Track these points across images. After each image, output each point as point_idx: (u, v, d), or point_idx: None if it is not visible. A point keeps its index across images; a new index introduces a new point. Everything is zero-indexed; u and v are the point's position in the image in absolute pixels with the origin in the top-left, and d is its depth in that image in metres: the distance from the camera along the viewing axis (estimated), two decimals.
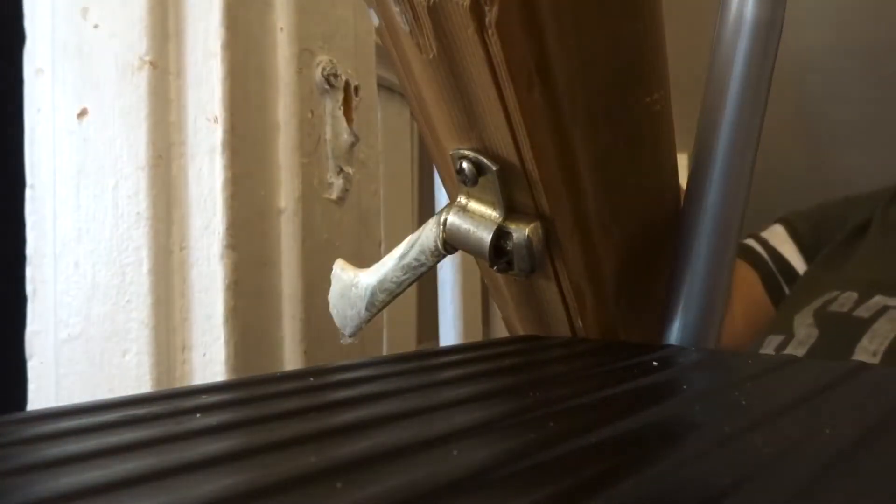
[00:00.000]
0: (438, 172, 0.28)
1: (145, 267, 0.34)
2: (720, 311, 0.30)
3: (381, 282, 0.28)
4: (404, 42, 0.22)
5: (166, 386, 0.34)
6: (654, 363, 0.23)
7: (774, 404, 0.17)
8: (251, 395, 0.19)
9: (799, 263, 0.69)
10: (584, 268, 0.28)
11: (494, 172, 0.23)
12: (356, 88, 0.41)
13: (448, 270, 0.60)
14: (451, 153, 0.24)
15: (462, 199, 0.25)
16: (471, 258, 0.29)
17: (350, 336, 0.30)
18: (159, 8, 0.34)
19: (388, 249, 0.32)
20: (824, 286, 0.60)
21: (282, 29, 0.37)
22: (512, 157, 0.23)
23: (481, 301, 0.61)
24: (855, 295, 0.55)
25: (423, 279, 0.28)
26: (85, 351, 0.35)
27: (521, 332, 0.33)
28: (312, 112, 0.38)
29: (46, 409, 0.17)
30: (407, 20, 0.20)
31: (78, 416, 0.16)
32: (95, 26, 0.35)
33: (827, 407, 0.17)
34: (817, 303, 0.57)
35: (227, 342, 0.33)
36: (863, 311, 0.52)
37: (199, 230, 0.34)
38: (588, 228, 0.27)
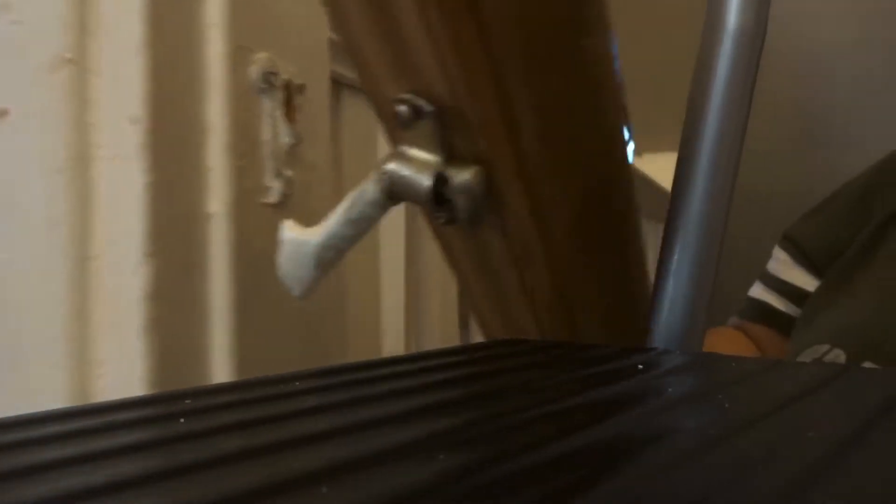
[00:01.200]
0: (381, 123, 0.27)
1: (61, 276, 0.32)
2: (704, 314, 0.30)
3: (329, 238, 0.27)
4: None
5: (81, 401, 0.31)
6: (639, 366, 0.23)
7: (758, 407, 0.18)
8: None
9: (813, 285, 0.65)
10: (530, 218, 0.27)
11: (431, 114, 0.23)
12: (300, 87, 0.40)
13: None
14: (389, 98, 0.24)
15: (402, 146, 0.25)
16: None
17: (301, 296, 0.29)
18: (81, 4, 0.34)
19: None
20: (820, 330, 0.58)
21: (213, 25, 0.36)
22: (447, 97, 0.23)
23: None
24: (843, 356, 0.54)
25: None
26: (1, 363, 0.32)
27: (481, 308, 0.32)
28: (248, 112, 0.37)
29: None
30: None
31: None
32: (15, 23, 0.34)
33: (810, 410, 0.18)
34: (806, 356, 0.55)
35: (147, 355, 0.31)
36: None
37: (118, 237, 0.32)
38: (531, 176, 0.26)
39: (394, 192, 0.25)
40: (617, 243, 0.34)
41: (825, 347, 0.55)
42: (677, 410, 0.17)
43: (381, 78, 0.23)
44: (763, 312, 0.68)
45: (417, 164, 0.24)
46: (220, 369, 0.35)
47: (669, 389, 0.20)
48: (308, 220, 0.40)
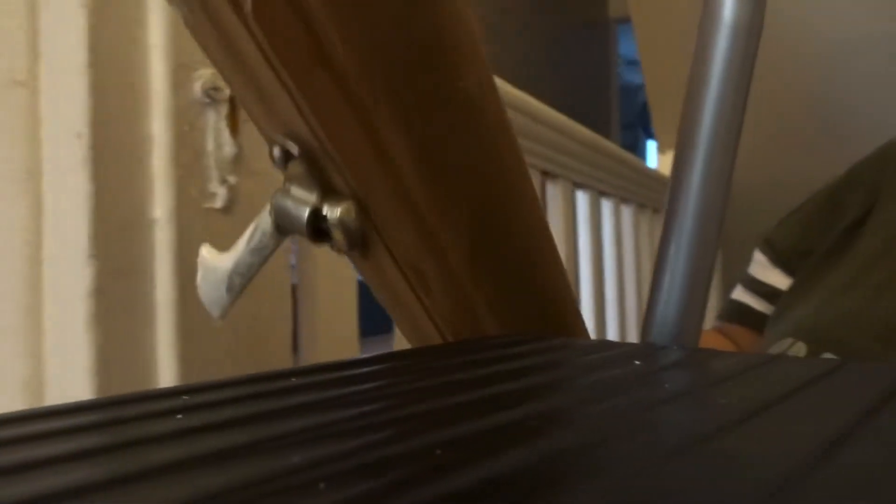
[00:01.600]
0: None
1: (16, 277, 0.36)
2: (701, 309, 0.31)
3: (236, 266, 0.30)
4: (198, 34, 0.24)
5: (36, 391, 0.35)
6: (636, 361, 0.23)
7: (753, 403, 0.18)
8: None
9: (787, 286, 0.68)
10: (420, 248, 0.29)
11: (298, 156, 0.25)
12: None
13: None
14: (265, 138, 0.26)
15: (286, 182, 0.27)
16: None
17: (218, 317, 0.32)
18: (30, 29, 0.37)
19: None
20: (786, 325, 0.59)
21: (155, 46, 0.39)
22: (311, 140, 0.25)
23: None
24: (804, 349, 0.55)
25: None
26: None
27: (391, 316, 0.35)
28: (191, 125, 0.40)
29: None
30: (186, 13, 0.22)
31: None
32: None
33: (805, 405, 0.18)
34: (773, 350, 0.57)
35: (90, 348, 0.35)
36: None
37: (66, 241, 0.36)
38: (417, 209, 0.28)
39: (281, 226, 0.27)
40: (527, 261, 0.36)
41: (789, 341, 0.57)
42: (671, 406, 0.18)
43: (257, 120, 0.26)
44: (741, 313, 0.71)
45: (297, 200, 0.27)
46: (165, 365, 0.38)
47: (665, 385, 0.20)
48: None
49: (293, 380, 0.20)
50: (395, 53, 0.25)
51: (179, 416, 0.16)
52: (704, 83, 0.29)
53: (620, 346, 0.28)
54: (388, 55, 0.25)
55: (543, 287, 0.38)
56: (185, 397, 0.18)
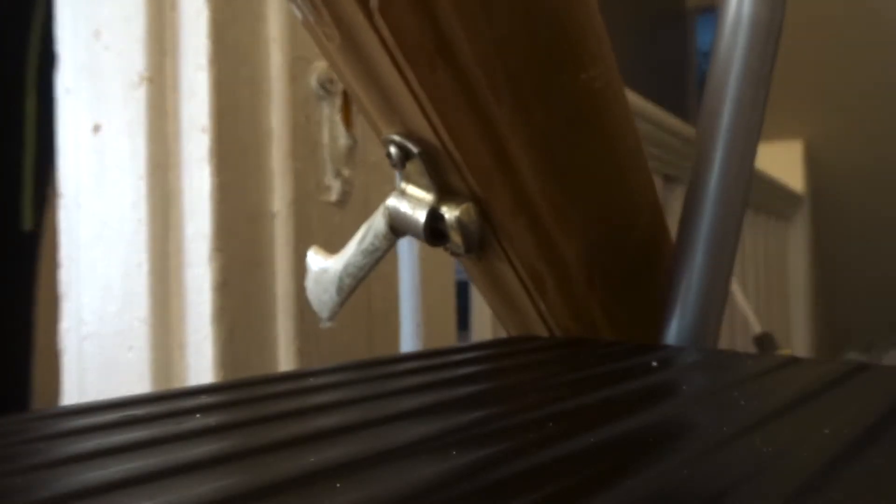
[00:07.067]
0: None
1: (145, 269, 0.37)
2: (719, 310, 0.30)
3: (346, 267, 0.30)
4: (317, 32, 0.23)
5: (164, 381, 0.37)
6: (654, 363, 0.23)
7: (774, 404, 0.18)
8: (242, 397, 0.20)
9: None
10: (537, 249, 0.28)
11: (417, 155, 0.25)
12: None
13: None
14: (382, 138, 0.26)
15: (402, 184, 0.27)
16: None
17: (328, 320, 0.32)
18: (157, 27, 0.38)
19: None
20: None
21: (273, 40, 0.39)
22: (431, 139, 0.24)
23: None
24: None
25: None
26: (100, 347, 0.39)
27: (498, 319, 0.34)
28: (308, 118, 0.41)
29: (49, 409, 0.18)
30: (308, 10, 0.22)
31: (78, 416, 0.17)
32: (106, 48, 0.39)
33: (826, 407, 0.18)
34: None
35: (215, 340, 0.36)
36: None
37: (192, 234, 0.37)
38: (534, 210, 0.27)
39: (396, 227, 0.27)
40: (644, 265, 0.34)
41: None
42: (692, 408, 0.18)
43: (375, 119, 0.26)
44: None
45: (414, 201, 0.26)
46: (284, 356, 0.39)
47: (684, 387, 0.21)
48: (368, 216, 0.44)
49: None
50: (518, 47, 0.24)
51: (198, 416, 0.17)
52: (723, 82, 0.29)
53: (638, 348, 0.27)
54: (511, 49, 0.24)
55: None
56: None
